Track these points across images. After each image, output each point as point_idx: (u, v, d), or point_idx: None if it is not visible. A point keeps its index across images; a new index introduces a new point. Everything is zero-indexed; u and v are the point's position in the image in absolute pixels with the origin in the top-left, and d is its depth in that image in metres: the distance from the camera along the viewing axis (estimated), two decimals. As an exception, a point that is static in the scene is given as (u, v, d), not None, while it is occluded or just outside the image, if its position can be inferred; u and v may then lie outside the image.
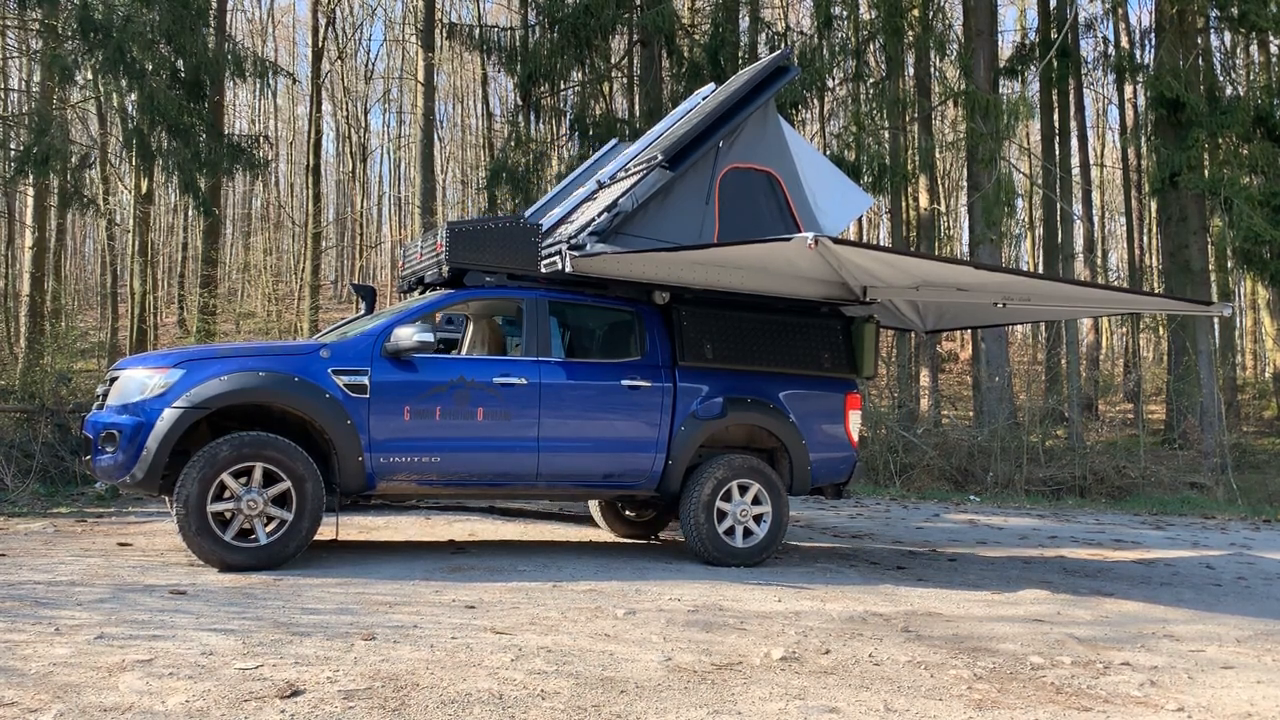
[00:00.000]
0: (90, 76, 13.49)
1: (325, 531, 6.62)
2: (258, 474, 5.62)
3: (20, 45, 17.79)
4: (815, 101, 19.90)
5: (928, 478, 14.79)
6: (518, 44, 17.90)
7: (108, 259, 24.32)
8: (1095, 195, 31.16)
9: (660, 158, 7.19)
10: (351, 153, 36.16)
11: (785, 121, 8.12)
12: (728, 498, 6.82)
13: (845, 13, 18.44)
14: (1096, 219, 30.52)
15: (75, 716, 3.09)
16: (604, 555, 7.00)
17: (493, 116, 28.21)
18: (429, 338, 5.97)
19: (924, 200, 21.94)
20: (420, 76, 21.32)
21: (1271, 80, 20.45)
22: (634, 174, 7.46)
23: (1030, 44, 22.12)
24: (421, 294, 6.96)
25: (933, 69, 20.62)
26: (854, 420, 7.41)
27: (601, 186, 7.99)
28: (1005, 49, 25.91)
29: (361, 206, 37.37)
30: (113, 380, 5.94)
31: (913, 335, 16.38)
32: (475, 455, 6.23)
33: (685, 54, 17.75)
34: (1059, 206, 21.66)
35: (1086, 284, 8.61)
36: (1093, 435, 18.93)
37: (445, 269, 6.49)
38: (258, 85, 19.30)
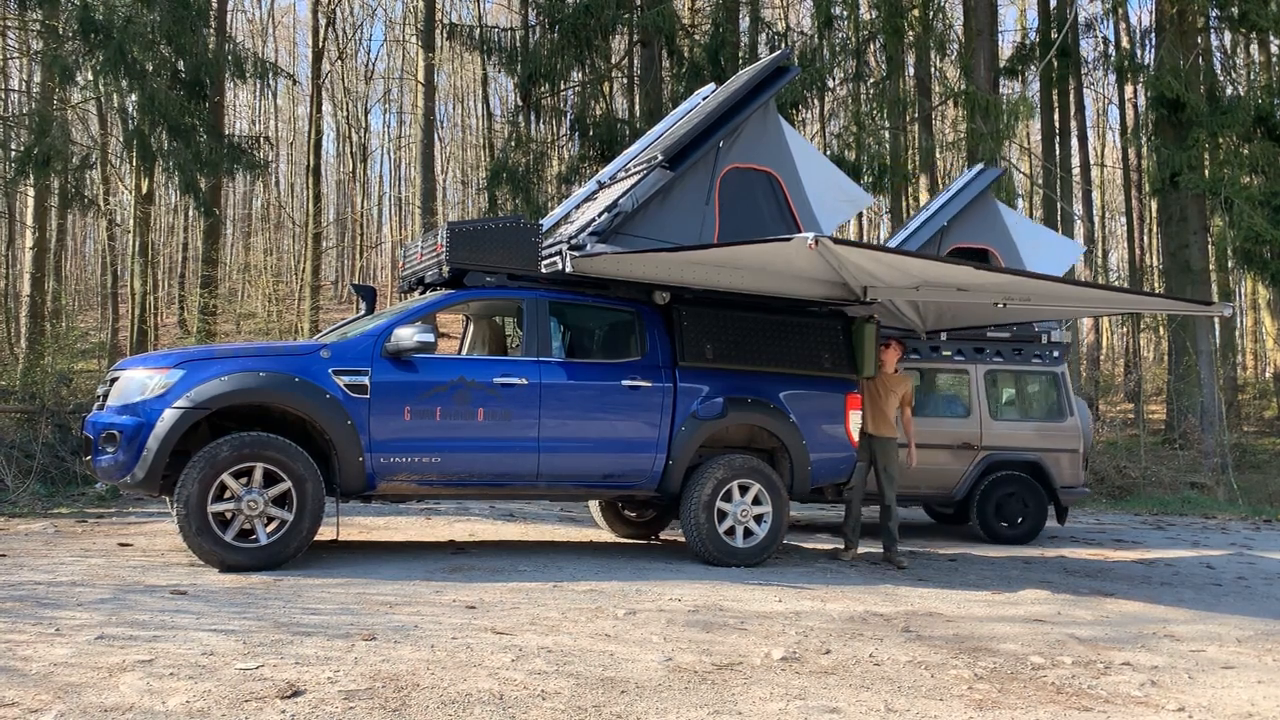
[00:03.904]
0: (91, 77, 13.48)
1: (326, 532, 6.63)
2: (258, 474, 5.62)
3: (21, 46, 17.78)
4: (815, 101, 19.88)
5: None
6: (518, 44, 17.89)
7: (108, 259, 24.32)
8: (1095, 195, 31.14)
9: (660, 158, 7.19)
10: (352, 153, 36.17)
11: (785, 121, 8.13)
12: (728, 498, 6.82)
13: (845, 13, 18.44)
14: (1097, 219, 30.50)
15: (76, 717, 3.09)
16: (604, 555, 7.01)
17: (493, 116, 28.19)
18: (429, 338, 5.98)
19: (924, 200, 21.93)
20: (420, 77, 21.34)
21: (1272, 80, 20.43)
22: (634, 174, 7.46)
23: (1030, 44, 22.12)
24: (422, 294, 6.96)
25: (933, 69, 20.62)
26: (854, 420, 7.40)
27: (601, 186, 8.00)
28: (1005, 49, 25.93)
29: (362, 207, 37.38)
30: (113, 381, 5.94)
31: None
32: (476, 455, 6.23)
33: (685, 54, 17.74)
34: (1059, 206, 21.65)
35: (1087, 284, 8.60)
36: (1093, 435, 18.89)
37: (446, 269, 6.49)
38: (258, 86, 19.34)
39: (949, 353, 9.45)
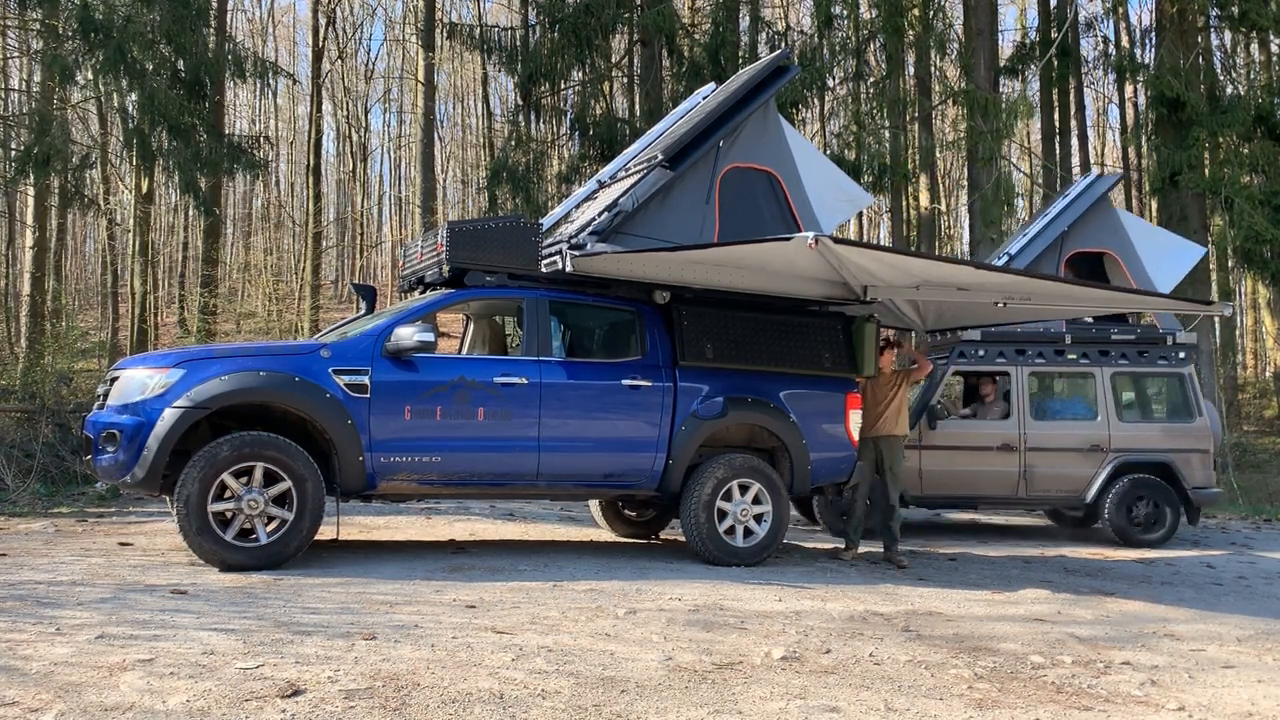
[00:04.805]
0: (91, 76, 13.49)
1: (326, 531, 6.63)
2: (258, 474, 5.62)
3: (21, 45, 17.79)
4: (815, 101, 19.87)
5: (928, 477, 14.75)
6: (518, 44, 17.89)
7: (108, 259, 24.33)
8: (1096, 194, 31.09)
9: (661, 157, 7.19)
10: (352, 152, 36.17)
11: (785, 120, 8.13)
12: (728, 497, 6.82)
13: (845, 12, 18.43)
14: (1097, 218, 30.45)
15: (77, 716, 3.09)
16: (604, 555, 7.01)
17: (493, 116, 28.18)
18: (430, 338, 5.98)
19: (924, 199, 21.94)
20: (420, 76, 21.34)
21: (1272, 79, 20.40)
22: (634, 173, 7.47)
23: (1030, 43, 22.09)
24: (422, 294, 6.96)
25: (933, 68, 20.60)
26: (854, 420, 7.40)
27: (602, 186, 8.00)
28: (1006, 48, 25.89)
29: (362, 206, 37.38)
30: (113, 380, 5.94)
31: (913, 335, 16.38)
32: (476, 455, 6.23)
33: (686, 53, 17.73)
34: (1059, 205, 21.65)
35: (1087, 283, 8.60)
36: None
37: (446, 269, 6.49)
38: (258, 85, 19.31)
39: (1074, 356, 9.51)
